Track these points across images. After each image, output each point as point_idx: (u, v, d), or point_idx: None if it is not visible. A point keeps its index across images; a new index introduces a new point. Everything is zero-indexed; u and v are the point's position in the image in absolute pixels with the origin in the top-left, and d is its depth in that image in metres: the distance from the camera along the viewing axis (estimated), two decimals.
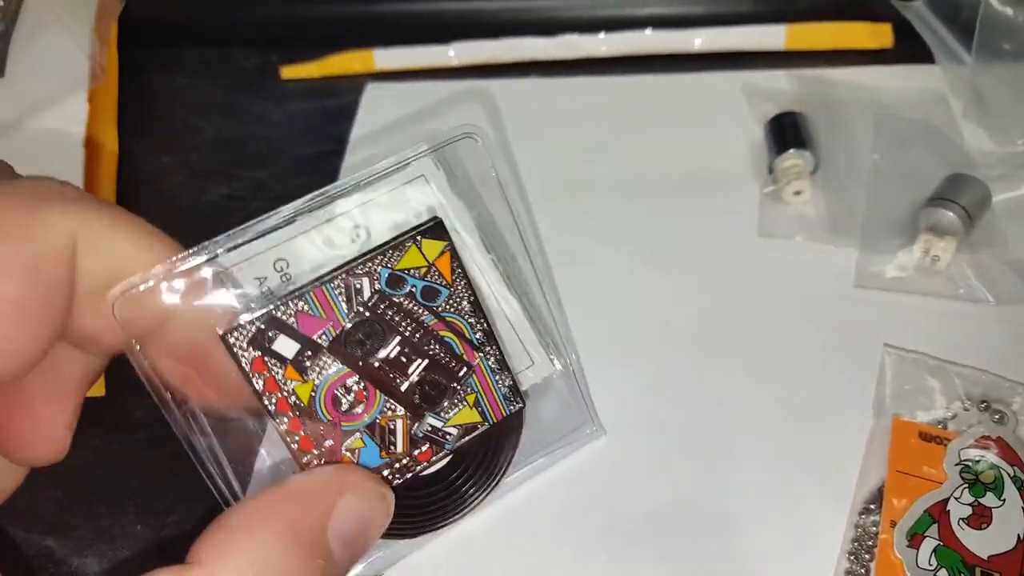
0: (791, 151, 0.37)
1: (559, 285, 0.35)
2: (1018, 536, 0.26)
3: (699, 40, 0.44)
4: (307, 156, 0.42)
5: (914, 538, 0.27)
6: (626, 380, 0.32)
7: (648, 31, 0.44)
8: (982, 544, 0.26)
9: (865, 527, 0.27)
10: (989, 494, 0.27)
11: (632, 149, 0.41)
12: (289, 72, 0.46)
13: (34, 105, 0.38)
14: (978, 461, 0.28)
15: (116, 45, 0.43)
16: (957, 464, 0.28)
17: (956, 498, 0.27)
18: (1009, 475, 0.27)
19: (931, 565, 0.26)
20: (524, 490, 0.29)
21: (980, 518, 0.27)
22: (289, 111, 0.44)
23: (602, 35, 0.44)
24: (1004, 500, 0.27)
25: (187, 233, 0.22)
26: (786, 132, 0.38)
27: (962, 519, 0.27)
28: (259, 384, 0.22)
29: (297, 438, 0.23)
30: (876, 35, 0.44)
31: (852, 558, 0.27)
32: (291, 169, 0.41)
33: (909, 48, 0.43)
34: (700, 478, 0.29)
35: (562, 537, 0.28)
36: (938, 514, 0.27)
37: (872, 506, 0.28)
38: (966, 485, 0.27)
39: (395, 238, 0.23)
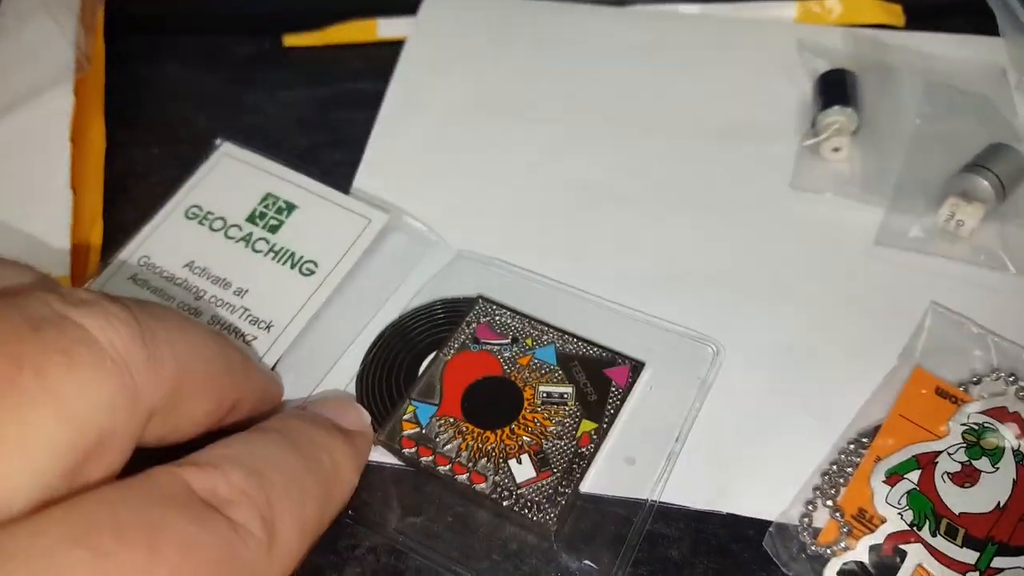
0: (835, 107, 0.37)
1: (585, 219, 0.36)
2: (998, 503, 0.26)
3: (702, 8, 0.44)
4: (301, 147, 0.40)
5: (892, 476, 0.27)
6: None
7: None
8: (959, 500, 0.26)
9: (849, 455, 0.28)
10: (984, 459, 0.27)
11: (679, 90, 0.40)
12: (291, 40, 0.44)
13: (17, 97, 0.36)
14: (986, 427, 0.28)
15: (103, 33, 0.41)
16: (964, 424, 0.28)
17: (950, 454, 0.27)
18: (1013, 448, 0.27)
19: (900, 504, 0.26)
20: None
21: (966, 477, 0.27)
22: (283, 101, 0.42)
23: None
24: (997, 468, 0.27)
25: None
26: (833, 89, 0.38)
27: (947, 473, 0.27)
28: None
29: None
30: (888, 13, 0.43)
31: (826, 477, 0.28)
32: (285, 161, 0.36)
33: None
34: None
35: None
36: (925, 463, 0.27)
37: (864, 440, 0.28)
38: (964, 445, 0.27)
39: None
